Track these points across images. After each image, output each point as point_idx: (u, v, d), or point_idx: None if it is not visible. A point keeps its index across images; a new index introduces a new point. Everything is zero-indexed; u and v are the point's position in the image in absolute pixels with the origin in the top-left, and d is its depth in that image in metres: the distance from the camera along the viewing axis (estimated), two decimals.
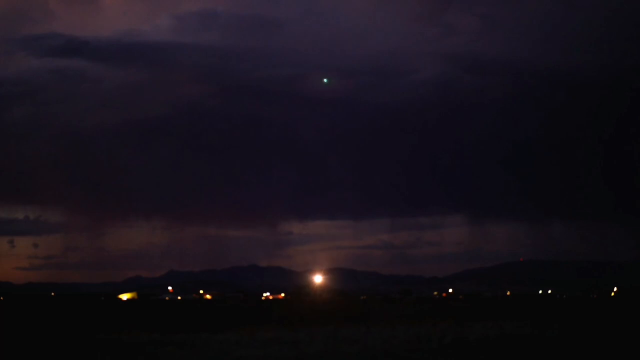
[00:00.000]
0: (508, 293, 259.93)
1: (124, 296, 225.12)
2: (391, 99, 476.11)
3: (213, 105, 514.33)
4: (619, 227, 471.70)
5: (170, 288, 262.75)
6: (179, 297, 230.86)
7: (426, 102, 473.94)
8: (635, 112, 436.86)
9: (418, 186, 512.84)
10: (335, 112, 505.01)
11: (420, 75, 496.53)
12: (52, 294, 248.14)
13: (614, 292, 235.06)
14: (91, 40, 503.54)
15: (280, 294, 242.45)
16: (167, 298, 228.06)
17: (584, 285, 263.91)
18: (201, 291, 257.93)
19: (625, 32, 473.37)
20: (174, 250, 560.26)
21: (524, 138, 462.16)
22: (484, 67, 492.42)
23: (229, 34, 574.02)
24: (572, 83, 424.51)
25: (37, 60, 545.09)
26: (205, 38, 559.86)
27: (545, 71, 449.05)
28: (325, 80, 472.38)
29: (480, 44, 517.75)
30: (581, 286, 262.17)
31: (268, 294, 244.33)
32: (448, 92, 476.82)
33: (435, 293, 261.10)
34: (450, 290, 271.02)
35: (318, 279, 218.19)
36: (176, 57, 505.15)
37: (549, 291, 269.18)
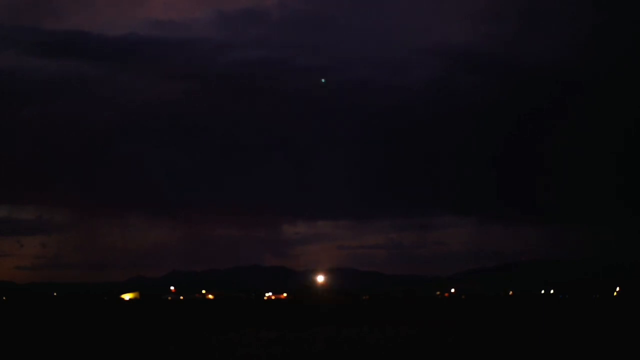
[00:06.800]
0: (510, 293, 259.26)
1: (126, 296, 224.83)
2: (395, 98, 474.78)
3: (215, 105, 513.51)
4: (620, 227, 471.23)
5: (172, 288, 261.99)
6: (182, 297, 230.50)
7: (427, 102, 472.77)
8: None
9: (420, 186, 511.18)
10: (340, 112, 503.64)
11: (423, 75, 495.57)
12: (55, 293, 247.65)
13: (616, 292, 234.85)
14: (113, 35, 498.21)
15: (282, 294, 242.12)
16: (169, 298, 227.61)
17: (587, 286, 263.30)
18: (203, 291, 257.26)
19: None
20: (176, 249, 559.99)
21: (527, 139, 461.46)
22: (480, 65, 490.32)
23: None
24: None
25: (49, 58, 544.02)
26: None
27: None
28: (323, 80, 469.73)
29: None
30: (584, 286, 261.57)
31: (270, 293, 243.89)
32: (445, 92, 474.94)
33: (438, 293, 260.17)
34: (453, 290, 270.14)
35: (320, 278, 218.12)
36: (191, 52, 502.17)
37: (551, 291, 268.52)
